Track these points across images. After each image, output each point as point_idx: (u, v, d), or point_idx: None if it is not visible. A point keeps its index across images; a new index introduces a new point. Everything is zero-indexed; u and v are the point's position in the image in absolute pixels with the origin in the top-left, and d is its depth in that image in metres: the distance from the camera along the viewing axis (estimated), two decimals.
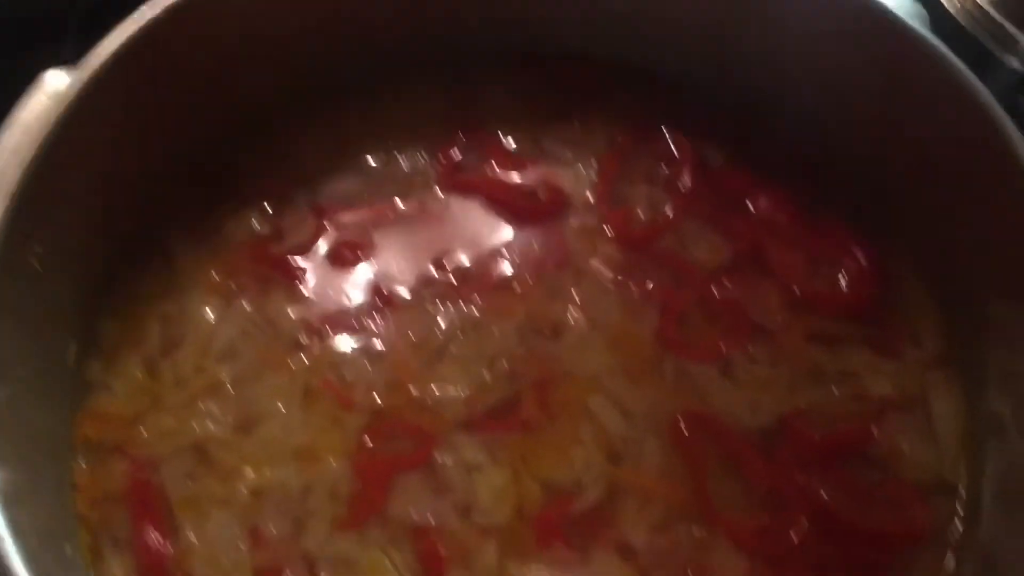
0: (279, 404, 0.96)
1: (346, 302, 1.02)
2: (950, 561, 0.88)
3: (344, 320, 1.01)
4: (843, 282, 1.02)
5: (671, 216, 1.06)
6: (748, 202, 1.07)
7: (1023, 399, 0.86)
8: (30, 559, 0.73)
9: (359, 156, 1.11)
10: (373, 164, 1.11)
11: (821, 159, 1.07)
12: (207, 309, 1.01)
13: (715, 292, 1.02)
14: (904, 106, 0.96)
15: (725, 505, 0.91)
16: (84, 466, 0.93)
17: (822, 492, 0.90)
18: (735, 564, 0.88)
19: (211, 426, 0.95)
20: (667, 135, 1.11)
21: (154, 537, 0.90)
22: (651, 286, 1.02)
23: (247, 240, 1.05)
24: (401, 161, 1.11)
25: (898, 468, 0.93)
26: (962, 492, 0.91)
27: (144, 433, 0.95)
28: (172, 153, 1.03)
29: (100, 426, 0.95)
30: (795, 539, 0.89)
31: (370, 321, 1.00)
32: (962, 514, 0.90)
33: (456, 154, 1.10)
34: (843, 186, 1.06)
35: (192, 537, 0.90)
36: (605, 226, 1.06)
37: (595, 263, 1.04)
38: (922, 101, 0.93)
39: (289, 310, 1.01)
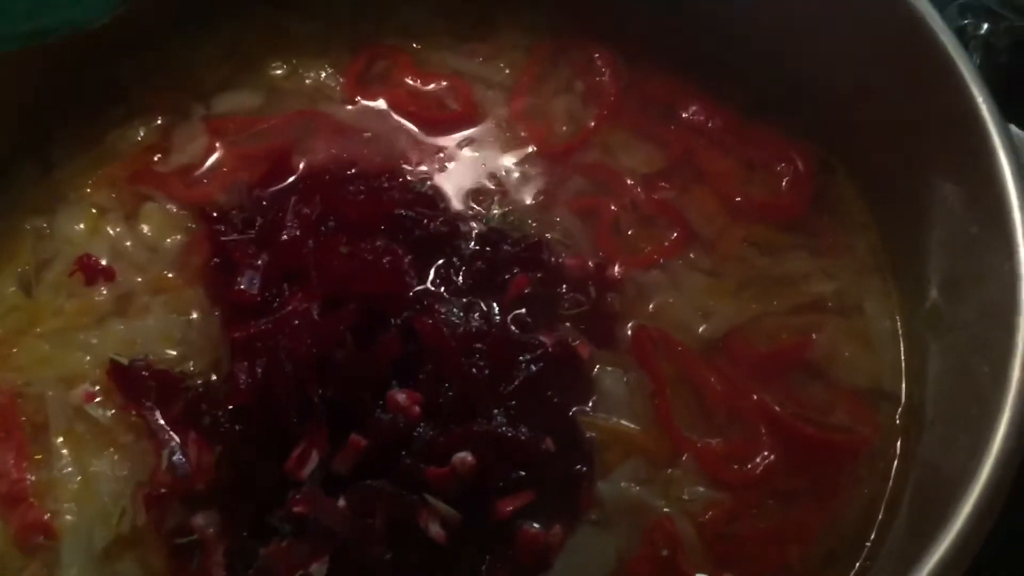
0: None
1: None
2: (897, 470, 0.80)
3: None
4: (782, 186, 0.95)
5: (593, 126, 0.98)
6: (678, 110, 0.99)
7: (961, 297, 0.80)
8: None
9: (261, 71, 1.03)
10: (275, 79, 1.03)
11: (752, 70, 0.99)
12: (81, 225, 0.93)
13: (649, 198, 0.94)
14: (845, 23, 0.90)
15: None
16: None
17: (777, 407, 0.82)
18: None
19: None
20: (588, 44, 1.03)
21: None
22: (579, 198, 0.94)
23: (131, 154, 0.97)
24: (305, 75, 1.03)
25: (838, 377, 0.85)
26: (903, 400, 0.84)
27: None
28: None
29: None
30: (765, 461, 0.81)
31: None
32: (905, 422, 0.82)
33: (363, 65, 1.02)
34: (776, 98, 0.98)
35: None
36: (523, 139, 0.98)
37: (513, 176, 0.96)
38: (865, 20, 0.88)
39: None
